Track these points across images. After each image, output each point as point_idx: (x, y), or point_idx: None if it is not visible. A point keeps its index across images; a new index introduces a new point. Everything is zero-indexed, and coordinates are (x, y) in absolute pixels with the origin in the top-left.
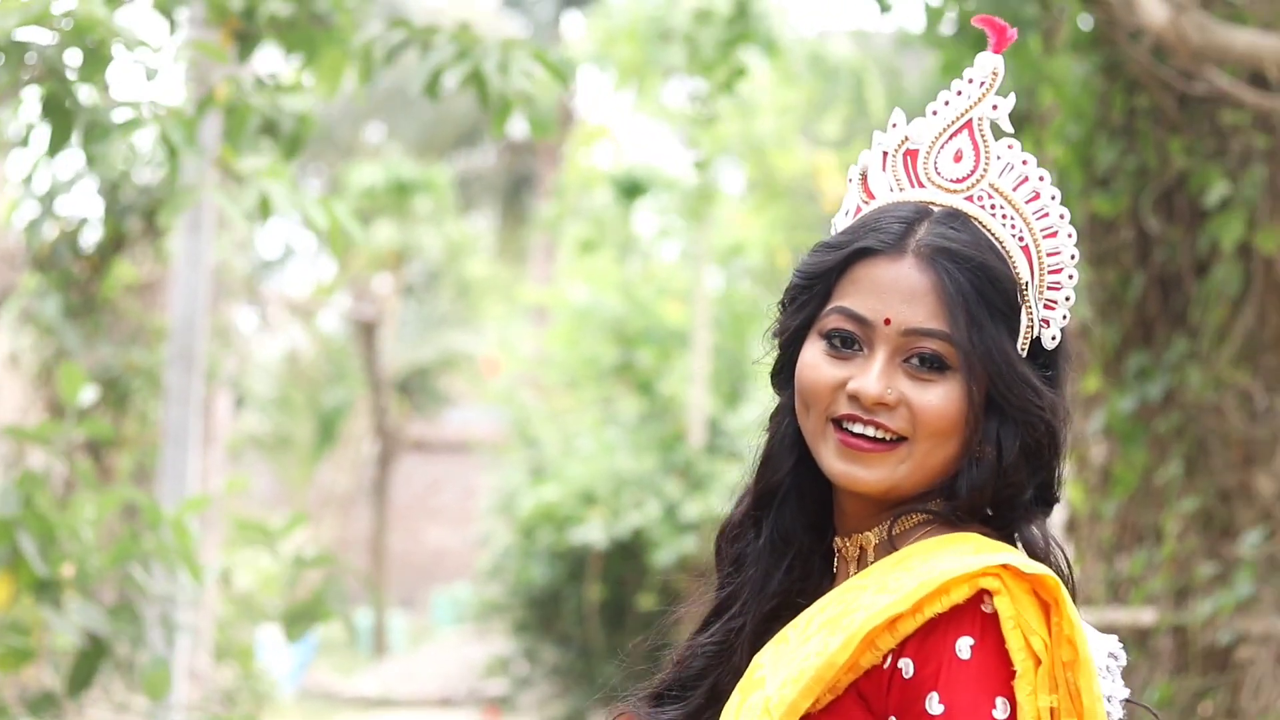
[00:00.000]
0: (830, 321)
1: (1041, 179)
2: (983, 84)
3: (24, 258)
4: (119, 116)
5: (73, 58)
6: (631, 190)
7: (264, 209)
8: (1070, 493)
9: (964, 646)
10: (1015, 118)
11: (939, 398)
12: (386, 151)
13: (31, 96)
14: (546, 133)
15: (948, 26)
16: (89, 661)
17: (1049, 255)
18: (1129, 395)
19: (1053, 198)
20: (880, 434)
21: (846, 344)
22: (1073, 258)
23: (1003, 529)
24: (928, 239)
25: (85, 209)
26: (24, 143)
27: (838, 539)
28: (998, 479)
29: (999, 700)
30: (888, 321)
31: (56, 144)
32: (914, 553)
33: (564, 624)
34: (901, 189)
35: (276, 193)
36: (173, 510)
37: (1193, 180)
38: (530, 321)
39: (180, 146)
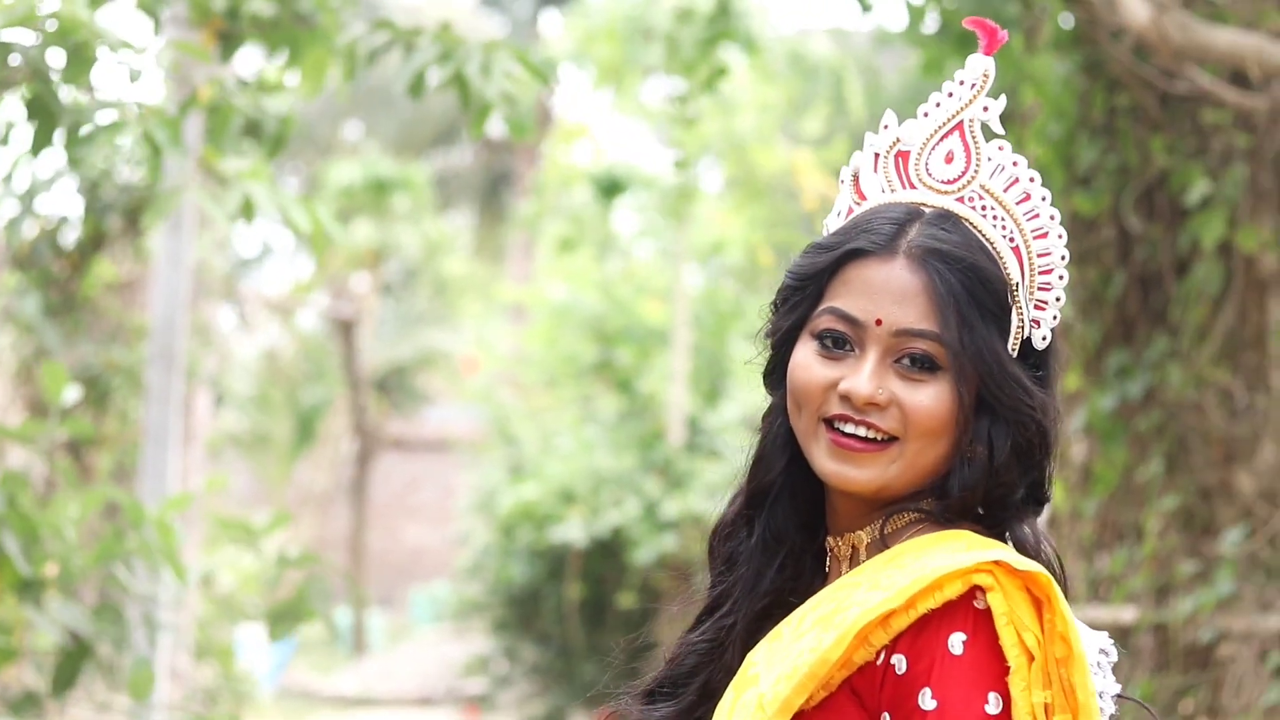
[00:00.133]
0: (822, 322)
1: (1032, 180)
2: (974, 86)
3: (4, 256)
4: (103, 118)
5: (56, 59)
6: (610, 189)
7: (247, 211)
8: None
9: (956, 642)
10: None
11: (930, 398)
12: (364, 150)
13: (12, 96)
14: (524, 134)
15: (929, 25)
16: (73, 661)
17: (1039, 256)
18: (1109, 393)
19: (1043, 199)
20: (871, 434)
21: (838, 344)
22: (1063, 258)
23: (994, 528)
24: (919, 240)
25: (65, 207)
26: (3, 141)
27: (830, 538)
28: (989, 478)
29: (991, 695)
30: (879, 322)
31: (39, 144)
32: (906, 550)
33: (543, 622)
34: (893, 190)
35: (259, 194)
36: (154, 509)
37: (1174, 179)
38: (508, 320)
39: (164, 146)
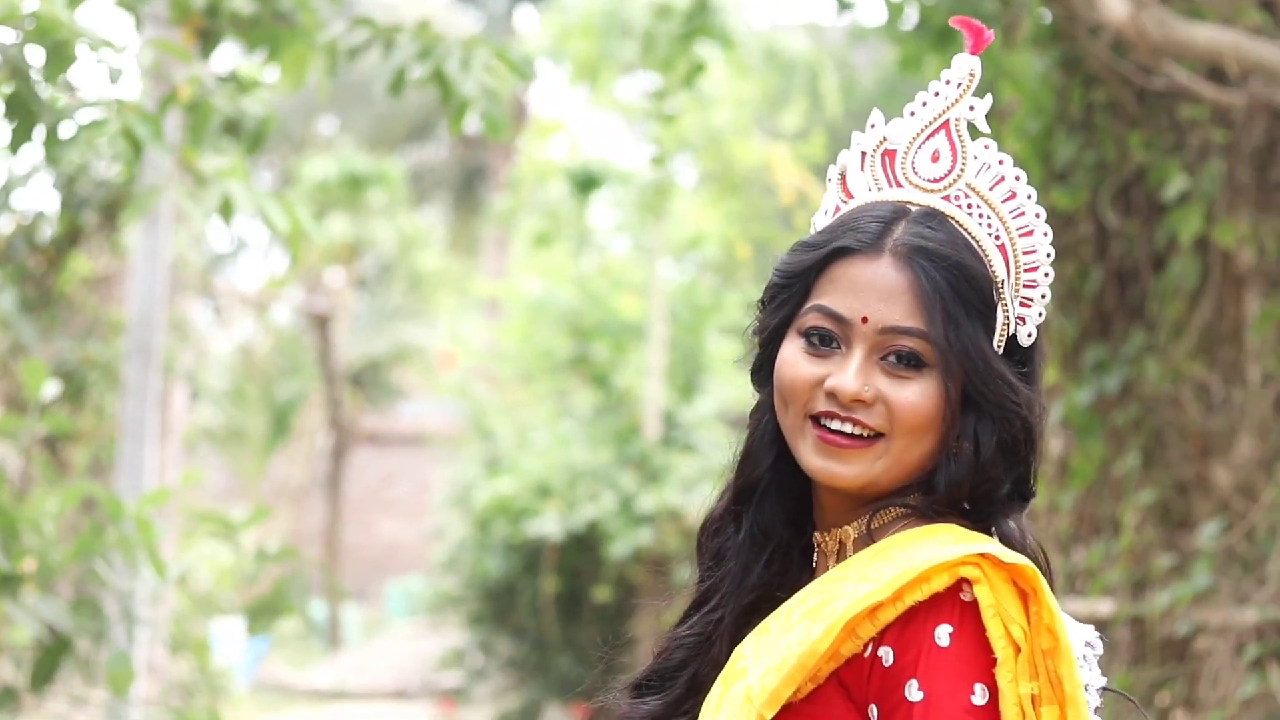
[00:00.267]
0: (809, 320)
1: (1018, 178)
2: (960, 85)
3: None
4: (84, 117)
5: (35, 56)
6: (586, 184)
7: (225, 210)
8: None
9: (943, 634)
10: None
11: (916, 395)
12: (339, 144)
13: None
14: (500, 133)
15: (907, 20)
16: (51, 656)
17: (1025, 254)
18: (1087, 388)
19: (1029, 197)
20: (858, 430)
21: (825, 342)
22: (1048, 256)
23: (980, 523)
24: (905, 238)
25: (42, 203)
26: None
27: (817, 534)
28: (975, 474)
29: (977, 686)
30: (865, 320)
31: (18, 142)
32: (894, 544)
33: (519, 616)
34: (880, 189)
35: (238, 193)
36: (132, 504)
37: (1151, 174)
38: (483, 315)
39: (146, 143)
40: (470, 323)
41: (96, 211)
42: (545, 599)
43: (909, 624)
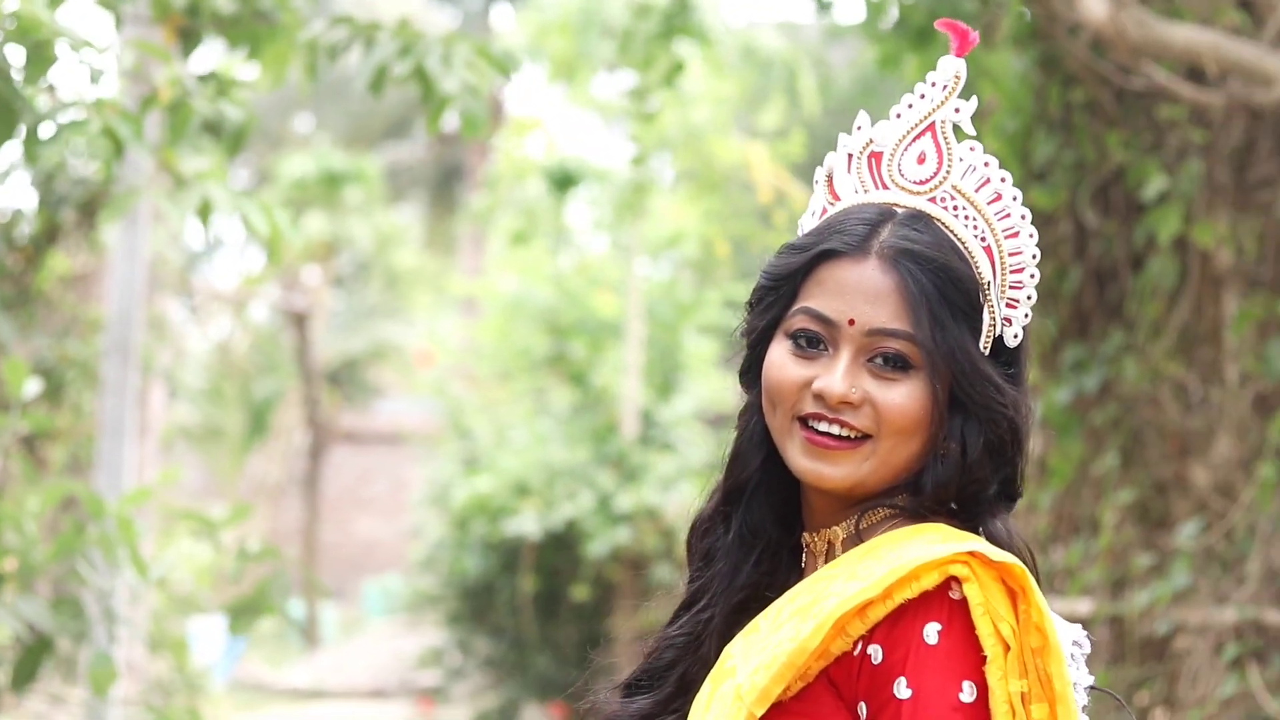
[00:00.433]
0: (796, 322)
1: (1003, 180)
2: (945, 87)
3: None
4: (66, 116)
5: (15, 56)
6: (563, 182)
7: (204, 212)
8: None
9: (931, 632)
10: None
11: (903, 396)
12: (316, 142)
13: None
14: (477, 131)
15: (886, 20)
16: (33, 656)
17: (1011, 255)
18: (1065, 387)
19: (1014, 198)
20: (845, 432)
21: (812, 344)
22: (1034, 257)
23: (967, 523)
24: (891, 241)
25: (19, 200)
26: None
27: (806, 534)
28: (962, 475)
29: (965, 684)
30: (852, 322)
31: None
32: (883, 543)
33: (497, 615)
34: (866, 191)
35: (218, 195)
36: (113, 503)
37: (1130, 174)
38: (460, 313)
39: (127, 142)
40: (447, 321)
41: (75, 209)
42: (523, 598)
43: (898, 622)
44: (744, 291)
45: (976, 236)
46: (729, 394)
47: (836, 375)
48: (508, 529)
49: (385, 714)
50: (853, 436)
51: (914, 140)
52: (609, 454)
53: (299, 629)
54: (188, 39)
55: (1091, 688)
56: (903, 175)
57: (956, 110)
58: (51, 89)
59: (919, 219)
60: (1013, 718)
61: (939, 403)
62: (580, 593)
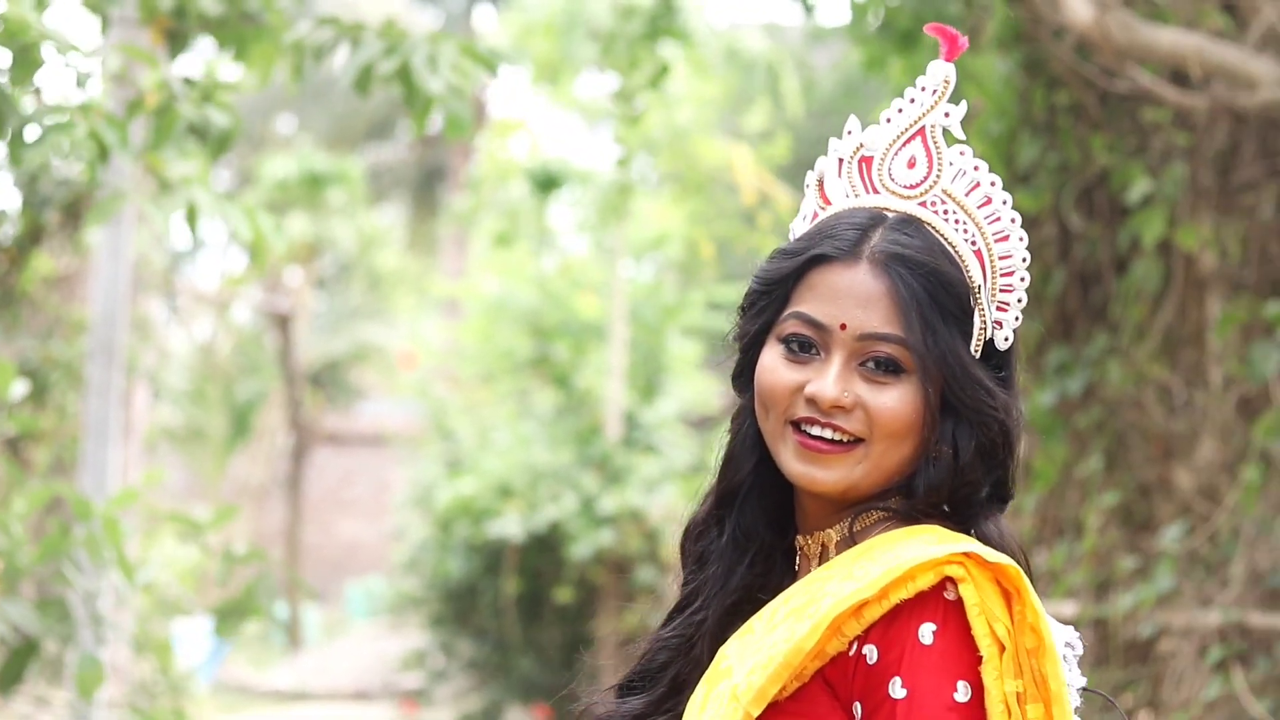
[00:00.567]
0: (788, 326)
1: (993, 184)
2: (935, 92)
3: None
4: (51, 120)
5: (2, 59)
6: (547, 183)
7: (190, 216)
8: None
9: (926, 632)
10: None
11: (894, 400)
12: (298, 143)
13: None
14: (461, 132)
15: (871, 22)
16: (20, 658)
17: (1001, 259)
18: (1049, 390)
19: (1004, 202)
20: (837, 436)
21: (804, 348)
22: (1024, 260)
23: (960, 525)
24: (882, 245)
25: (3, 202)
26: None
27: (799, 536)
28: (954, 478)
29: (960, 684)
30: (843, 326)
31: None
32: (878, 544)
33: (480, 617)
34: (857, 195)
35: (203, 199)
36: (98, 504)
37: (1114, 177)
38: (442, 314)
39: (113, 147)
40: (430, 322)
41: (59, 211)
42: (506, 600)
43: (893, 622)
44: (728, 294)
45: (967, 240)
46: (713, 396)
47: (829, 379)
48: (491, 531)
49: (368, 716)
50: (845, 440)
51: (904, 145)
52: (592, 456)
53: (282, 631)
54: (175, 41)
55: (1083, 689)
56: (893, 180)
57: (946, 115)
58: (38, 92)
59: (910, 223)
60: (1008, 718)
61: (931, 406)
62: (563, 595)
